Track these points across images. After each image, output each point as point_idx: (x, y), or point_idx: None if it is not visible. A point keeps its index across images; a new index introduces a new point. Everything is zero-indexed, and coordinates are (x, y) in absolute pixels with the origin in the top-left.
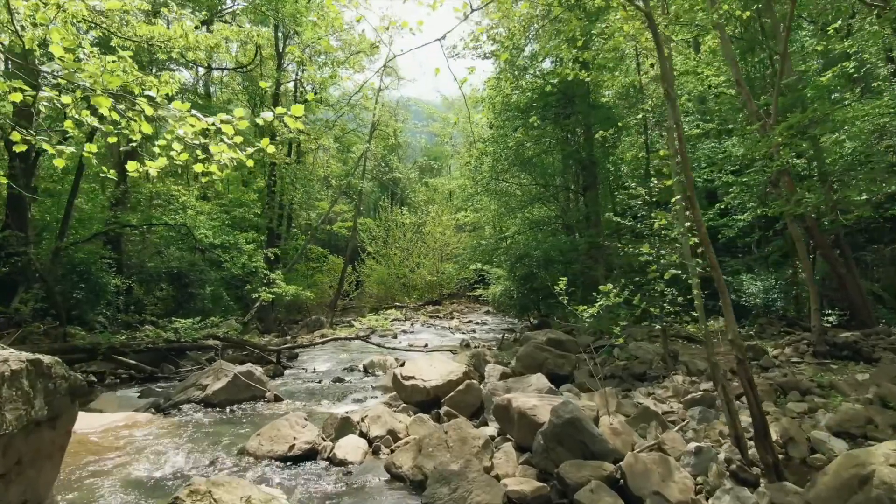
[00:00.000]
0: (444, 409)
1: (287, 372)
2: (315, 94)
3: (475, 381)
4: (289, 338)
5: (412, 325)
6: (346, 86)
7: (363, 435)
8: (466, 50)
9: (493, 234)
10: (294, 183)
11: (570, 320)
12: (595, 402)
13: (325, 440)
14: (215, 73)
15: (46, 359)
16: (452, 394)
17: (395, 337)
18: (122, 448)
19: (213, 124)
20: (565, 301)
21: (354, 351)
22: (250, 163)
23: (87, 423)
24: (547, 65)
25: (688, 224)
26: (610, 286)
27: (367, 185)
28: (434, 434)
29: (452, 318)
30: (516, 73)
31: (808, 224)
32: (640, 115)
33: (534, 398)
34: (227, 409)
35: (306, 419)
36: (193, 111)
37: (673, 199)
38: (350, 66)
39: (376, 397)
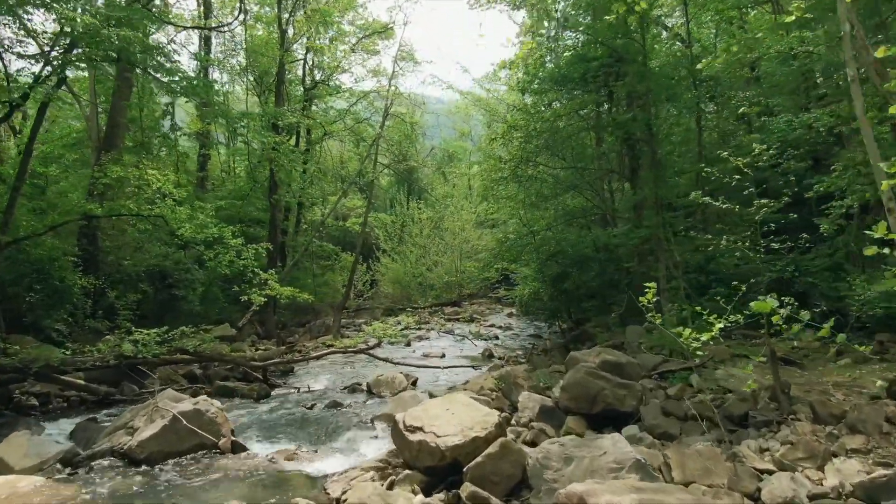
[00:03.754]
0: (467, 488)
1: (275, 392)
2: (324, 79)
3: (513, 442)
4: (283, 347)
5: (428, 330)
6: (358, 72)
7: None
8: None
9: (518, 228)
10: (298, 171)
11: (612, 328)
12: (689, 466)
13: None
14: (214, 55)
15: None
16: (479, 459)
17: (408, 345)
18: None
19: None
20: (657, 321)
21: (360, 362)
22: None
23: None
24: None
25: None
26: (773, 301)
27: (383, 180)
28: None
29: (473, 321)
30: (554, 25)
31: None
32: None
33: (626, 495)
34: (158, 469)
35: None
36: None
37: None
38: (363, 48)
39: (376, 437)
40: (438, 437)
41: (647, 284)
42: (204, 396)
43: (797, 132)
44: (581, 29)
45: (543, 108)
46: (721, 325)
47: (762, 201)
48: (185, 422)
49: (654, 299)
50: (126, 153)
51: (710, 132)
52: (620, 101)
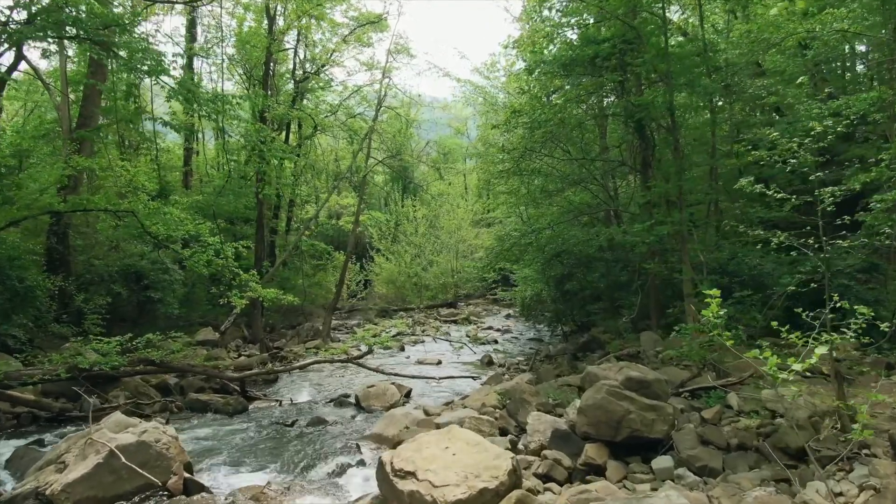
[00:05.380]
0: None
1: (254, 405)
2: (315, 71)
3: (532, 496)
4: (266, 355)
5: (423, 331)
6: (351, 65)
7: None
8: None
9: (519, 226)
10: (289, 165)
11: (624, 334)
12: None
13: None
14: (198, 44)
15: None
16: None
17: (402, 349)
18: None
19: None
20: (726, 339)
21: (351, 369)
22: None
23: None
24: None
25: None
26: None
27: (378, 178)
28: None
29: (470, 323)
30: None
31: None
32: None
33: None
34: None
35: None
36: None
37: None
38: (356, 39)
39: (362, 464)
40: (435, 487)
41: (709, 293)
42: (155, 423)
43: (827, 118)
44: (594, 4)
45: (547, 99)
46: (823, 350)
47: (828, 188)
48: (123, 459)
49: (722, 312)
50: (90, 133)
51: (720, 125)
52: (631, 89)
